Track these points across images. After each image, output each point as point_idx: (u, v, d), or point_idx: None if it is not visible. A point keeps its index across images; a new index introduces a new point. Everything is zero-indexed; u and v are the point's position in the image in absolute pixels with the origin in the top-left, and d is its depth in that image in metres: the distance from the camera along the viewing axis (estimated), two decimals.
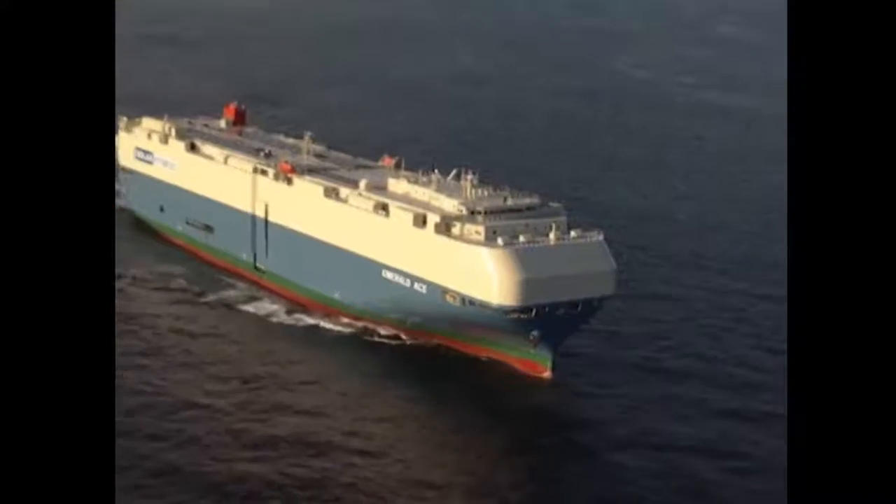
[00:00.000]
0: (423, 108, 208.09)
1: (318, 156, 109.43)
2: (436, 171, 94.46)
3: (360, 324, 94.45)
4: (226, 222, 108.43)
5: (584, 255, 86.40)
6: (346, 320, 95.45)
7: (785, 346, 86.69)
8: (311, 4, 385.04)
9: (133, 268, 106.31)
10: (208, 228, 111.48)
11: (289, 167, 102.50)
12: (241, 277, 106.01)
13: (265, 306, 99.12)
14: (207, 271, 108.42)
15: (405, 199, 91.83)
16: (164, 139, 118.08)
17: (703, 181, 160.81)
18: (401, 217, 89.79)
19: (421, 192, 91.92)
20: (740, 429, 79.72)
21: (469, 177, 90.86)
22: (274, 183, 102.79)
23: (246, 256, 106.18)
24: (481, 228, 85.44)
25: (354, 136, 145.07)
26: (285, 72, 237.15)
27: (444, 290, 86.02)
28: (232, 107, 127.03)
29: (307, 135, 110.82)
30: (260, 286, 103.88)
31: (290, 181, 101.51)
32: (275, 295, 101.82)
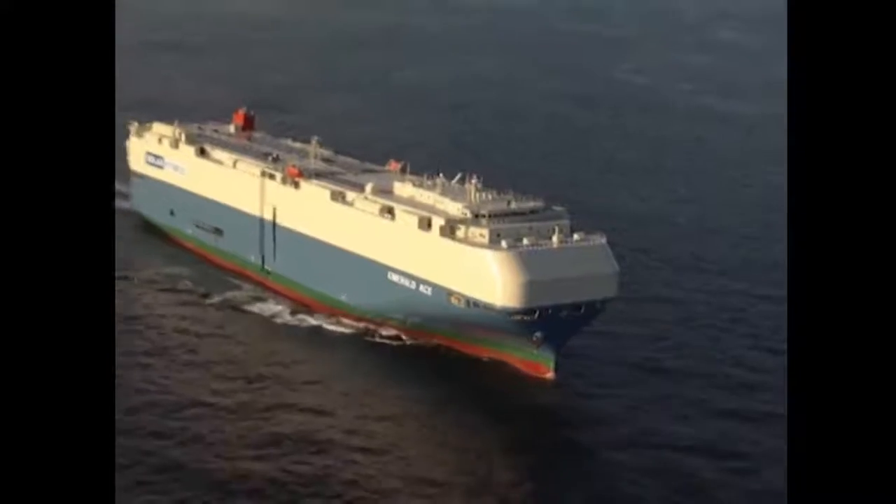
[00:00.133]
0: (427, 113, 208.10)
1: (325, 160, 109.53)
2: (440, 175, 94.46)
3: (361, 324, 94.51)
4: (235, 225, 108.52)
5: (586, 258, 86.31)
6: (346, 321, 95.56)
7: (784, 347, 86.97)
8: (315, 12, 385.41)
9: (141, 270, 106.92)
10: (218, 231, 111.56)
11: (296, 171, 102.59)
12: (249, 280, 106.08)
13: (269, 307, 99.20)
14: (213, 273, 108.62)
15: (410, 203, 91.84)
16: (175, 144, 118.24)
17: (703, 184, 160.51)
18: (406, 220, 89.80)
19: (426, 196, 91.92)
20: (740, 429, 79.56)
21: (473, 181, 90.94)
22: (282, 187, 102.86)
23: (254, 259, 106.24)
24: (485, 231, 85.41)
25: (360, 141, 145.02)
26: (291, 78, 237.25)
27: (449, 292, 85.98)
28: (241, 112, 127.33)
29: (314, 139, 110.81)
30: (268, 288, 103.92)
31: (297, 185, 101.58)
32: (282, 297, 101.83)
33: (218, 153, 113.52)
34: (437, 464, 72.16)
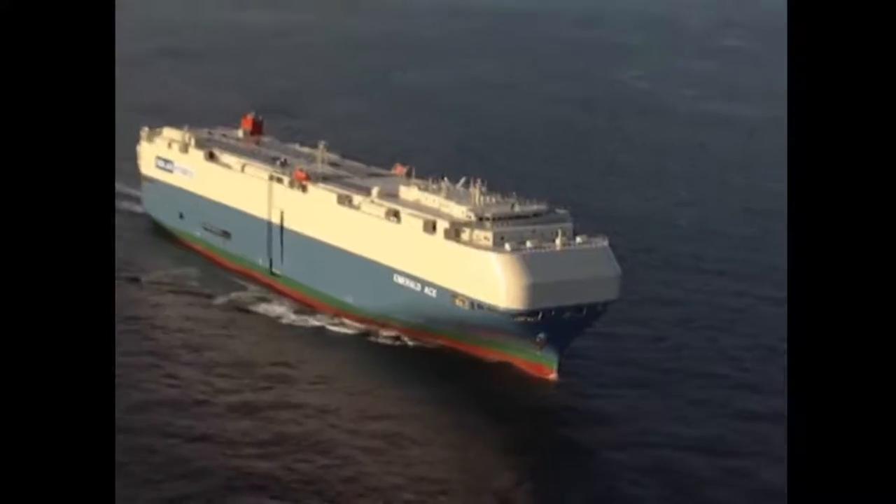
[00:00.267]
0: (432, 118, 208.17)
1: (332, 164, 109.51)
2: (445, 178, 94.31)
3: (362, 325, 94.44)
4: (243, 228, 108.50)
5: (589, 261, 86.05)
6: (349, 321, 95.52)
7: (783, 347, 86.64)
8: (319, 18, 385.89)
9: (150, 271, 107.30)
10: (226, 234, 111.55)
11: (304, 175, 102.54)
12: (257, 282, 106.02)
13: (274, 308, 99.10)
14: (220, 274, 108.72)
15: (416, 206, 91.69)
16: (184, 148, 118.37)
17: (704, 188, 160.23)
18: (412, 223, 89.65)
19: (431, 200, 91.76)
20: (740, 429, 79.11)
21: (478, 184, 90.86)
22: (289, 190, 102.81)
23: (262, 261, 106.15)
24: (489, 234, 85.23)
25: (366, 146, 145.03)
26: (297, 83, 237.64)
27: (454, 294, 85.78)
28: (249, 117, 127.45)
29: (321, 144, 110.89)
30: (275, 290, 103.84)
31: (304, 189, 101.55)
32: (289, 298, 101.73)
33: (226, 157, 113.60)
34: (438, 463, 71.83)
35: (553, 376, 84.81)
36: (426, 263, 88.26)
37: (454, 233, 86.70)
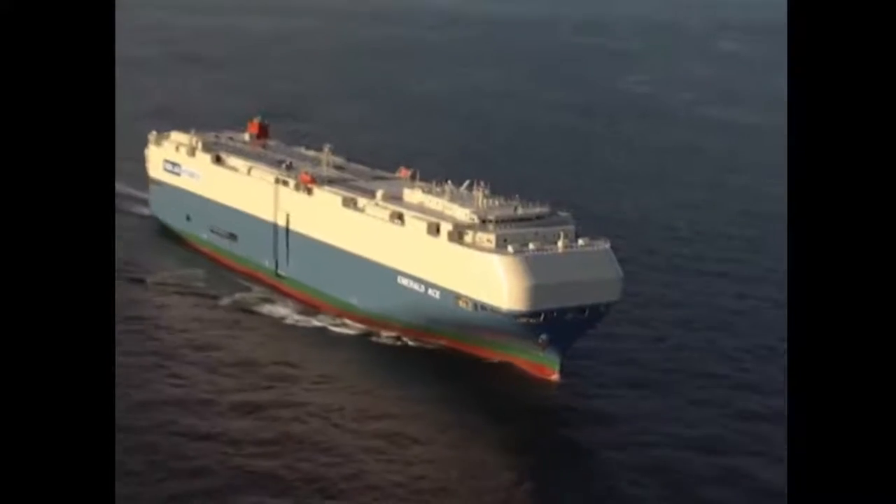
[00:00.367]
0: (436, 123, 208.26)
1: (337, 167, 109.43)
2: (449, 182, 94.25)
3: (364, 326, 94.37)
4: (249, 231, 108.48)
5: (591, 263, 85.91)
6: (350, 322, 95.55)
7: (783, 347, 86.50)
8: (321, 24, 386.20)
9: (156, 273, 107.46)
10: (232, 237, 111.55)
11: (309, 178, 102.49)
12: (263, 283, 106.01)
13: (278, 309, 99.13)
14: (225, 276, 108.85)
15: (420, 209, 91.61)
16: (192, 152, 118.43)
17: (703, 191, 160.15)
18: (415, 226, 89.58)
19: (435, 202, 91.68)
20: (739, 428, 78.89)
21: (481, 187, 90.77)
22: (295, 193, 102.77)
23: (268, 263, 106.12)
24: (492, 237, 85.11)
25: (371, 149, 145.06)
26: (302, 89, 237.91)
27: (457, 296, 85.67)
28: (255, 121, 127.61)
29: (327, 147, 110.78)
30: (281, 292, 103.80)
31: (310, 191, 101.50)
32: (294, 300, 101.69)
33: (233, 161, 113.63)
34: (438, 462, 71.57)
35: (555, 377, 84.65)
36: (430, 265, 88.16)
37: (457, 235, 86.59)
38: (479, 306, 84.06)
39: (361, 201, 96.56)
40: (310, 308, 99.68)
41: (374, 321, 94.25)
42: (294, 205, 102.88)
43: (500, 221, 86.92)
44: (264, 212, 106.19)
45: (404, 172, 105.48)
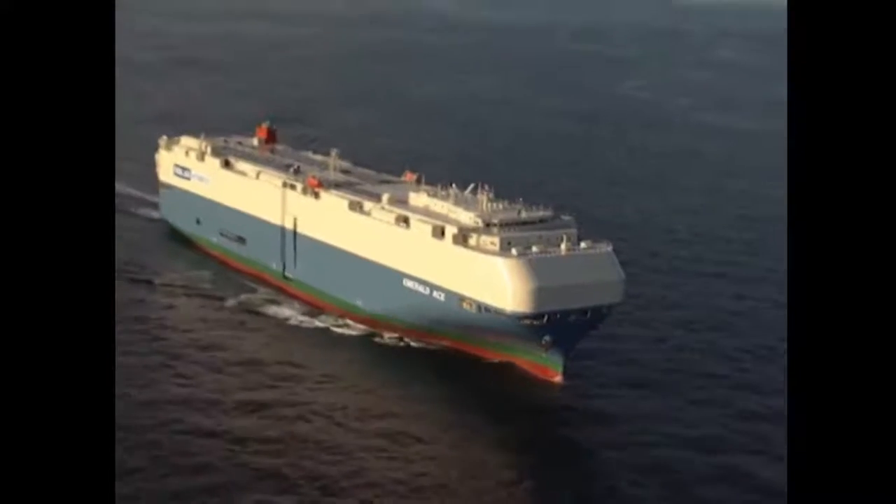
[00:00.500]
0: (438, 128, 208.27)
1: (344, 171, 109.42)
2: (454, 185, 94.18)
3: (366, 327, 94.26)
4: (257, 234, 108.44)
5: (593, 265, 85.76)
6: (351, 322, 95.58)
7: (783, 347, 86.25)
8: (322, 30, 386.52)
9: (165, 274, 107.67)
10: (241, 240, 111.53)
11: (316, 182, 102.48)
12: (271, 285, 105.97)
13: (282, 310, 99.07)
14: (232, 277, 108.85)
15: (425, 212, 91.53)
16: (201, 156, 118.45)
17: (701, 195, 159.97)
18: (421, 229, 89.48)
19: (440, 206, 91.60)
20: (739, 428, 78.61)
21: (485, 191, 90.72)
22: (302, 197, 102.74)
23: (276, 266, 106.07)
24: (496, 240, 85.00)
25: (377, 154, 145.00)
26: (306, 94, 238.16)
27: (461, 298, 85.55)
28: (264, 126, 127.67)
29: (333, 152, 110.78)
30: (288, 294, 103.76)
31: (317, 195, 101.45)
32: (300, 301, 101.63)
33: (242, 165, 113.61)
34: (439, 461, 71.37)
35: (558, 379, 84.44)
36: (435, 268, 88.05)
37: (462, 238, 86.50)
38: (483, 308, 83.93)
39: (367, 205, 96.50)
40: (316, 309, 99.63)
41: (380, 323, 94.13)
42: (301, 208, 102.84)
43: (503, 225, 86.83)
44: (272, 215, 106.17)
45: (409, 176, 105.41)
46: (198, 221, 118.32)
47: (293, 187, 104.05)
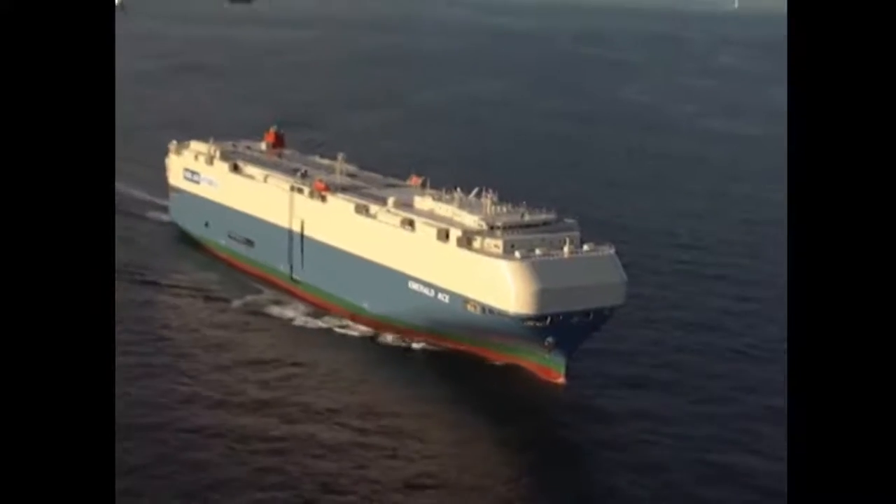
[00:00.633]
0: (442, 132, 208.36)
1: (350, 175, 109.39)
2: (458, 189, 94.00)
3: (368, 328, 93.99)
4: (265, 237, 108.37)
5: (596, 268, 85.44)
6: (352, 323, 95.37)
7: (783, 347, 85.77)
8: (327, 34, 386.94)
9: (173, 276, 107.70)
10: (249, 242, 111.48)
11: (323, 186, 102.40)
12: (278, 287, 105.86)
13: (287, 311, 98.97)
14: (238, 279, 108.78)
15: (430, 216, 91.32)
16: (210, 160, 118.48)
17: (703, 199, 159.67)
18: (426, 232, 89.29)
19: (444, 209, 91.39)
20: (739, 428, 78.10)
21: (489, 195, 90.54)
22: (309, 200, 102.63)
23: (283, 268, 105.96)
24: (500, 242, 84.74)
25: (383, 158, 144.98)
26: (310, 98, 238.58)
27: (466, 300, 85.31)
28: (272, 131, 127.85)
29: (340, 156, 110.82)
30: (295, 295, 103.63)
31: (324, 199, 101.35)
32: (307, 302, 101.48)
33: (250, 169, 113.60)
34: (441, 460, 70.98)
35: (561, 380, 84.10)
36: (439, 270, 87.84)
37: (466, 241, 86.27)
38: (487, 310, 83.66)
39: (373, 208, 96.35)
40: (320, 311, 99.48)
41: (385, 324, 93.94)
42: (308, 211, 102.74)
43: (507, 227, 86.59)
44: (280, 218, 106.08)
45: (415, 180, 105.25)
46: (207, 224, 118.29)
47: (300, 191, 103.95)
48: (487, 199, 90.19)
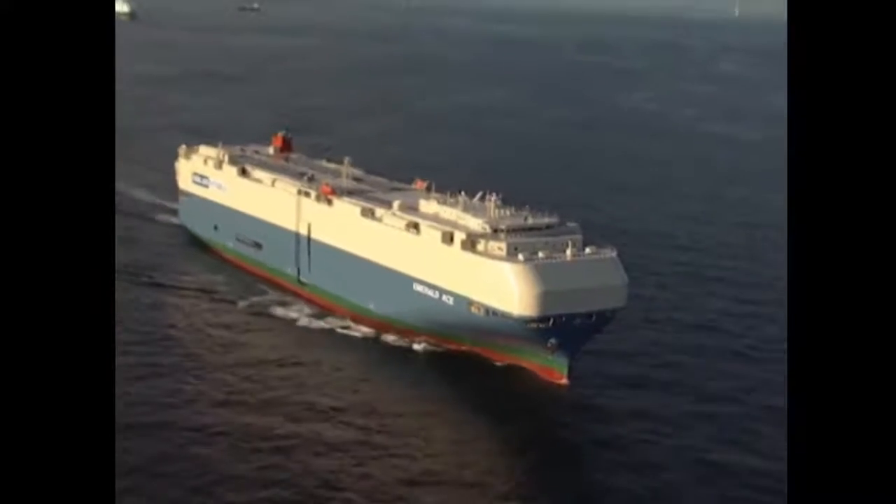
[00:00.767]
0: (448, 137, 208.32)
1: (356, 179, 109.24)
2: (462, 193, 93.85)
3: (371, 329, 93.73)
4: (273, 239, 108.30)
5: (598, 270, 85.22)
6: (354, 324, 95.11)
7: (782, 348, 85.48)
8: (330, 44, 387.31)
9: (182, 278, 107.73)
10: (257, 245, 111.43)
11: (329, 189, 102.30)
12: (286, 290, 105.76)
13: (290, 312, 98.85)
14: (244, 280, 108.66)
15: (434, 219, 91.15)
16: (219, 165, 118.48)
17: (702, 202, 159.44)
18: (430, 235, 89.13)
19: (449, 213, 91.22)
20: (740, 428, 77.75)
21: (493, 198, 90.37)
22: (316, 204, 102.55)
23: (290, 271, 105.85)
24: (503, 245, 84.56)
25: (388, 162, 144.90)
26: (317, 104, 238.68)
27: (470, 302, 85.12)
28: (279, 136, 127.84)
29: (346, 160, 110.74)
30: (302, 297, 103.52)
31: (330, 202, 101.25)
32: (314, 304, 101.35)
33: (258, 173, 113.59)
34: (441, 457, 70.66)
35: (564, 381, 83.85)
36: (444, 272, 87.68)
37: (470, 244, 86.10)
38: (491, 312, 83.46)
39: (379, 211, 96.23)
40: (324, 311, 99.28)
41: (391, 326, 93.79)
42: (315, 215, 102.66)
43: (510, 231, 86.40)
44: (287, 222, 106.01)
45: (420, 184, 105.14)
46: (215, 228, 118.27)
47: (307, 194, 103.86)
48: (491, 203, 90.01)
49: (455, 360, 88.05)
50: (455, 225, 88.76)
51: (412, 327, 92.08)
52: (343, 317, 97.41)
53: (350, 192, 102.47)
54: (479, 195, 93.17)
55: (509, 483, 68.38)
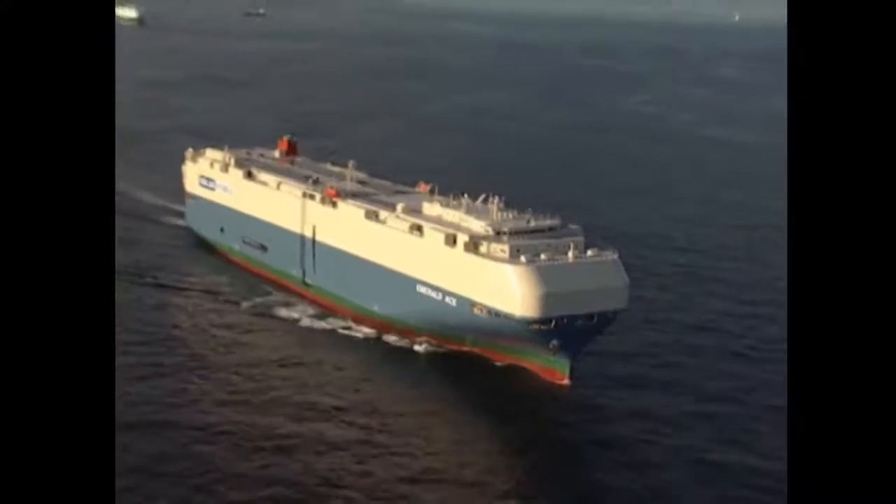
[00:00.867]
0: (451, 141, 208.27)
1: (361, 182, 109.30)
2: (465, 196, 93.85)
3: (373, 329, 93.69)
4: (278, 242, 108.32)
5: (599, 272, 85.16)
6: (355, 324, 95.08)
7: (782, 348, 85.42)
8: (334, 48, 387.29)
9: (187, 279, 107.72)
10: (263, 247, 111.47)
11: (334, 192, 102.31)
12: (291, 291, 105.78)
13: (293, 313, 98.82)
14: (248, 281, 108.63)
15: (438, 221, 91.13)
16: (225, 168, 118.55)
17: (700, 205, 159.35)
18: (434, 237, 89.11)
19: (452, 215, 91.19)
20: (740, 429, 77.62)
21: (496, 201, 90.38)
22: (321, 206, 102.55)
23: (295, 272, 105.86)
24: (506, 247, 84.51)
25: (392, 165, 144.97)
26: (322, 107, 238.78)
27: (473, 303, 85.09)
28: (285, 139, 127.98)
29: (350, 163, 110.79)
30: (307, 299, 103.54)
31: (335, 205, 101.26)
32: (319, 306, 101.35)
33: (263, 176, 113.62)
34: (442, 456, 70.50)
35: (566, 382, 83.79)
36: (447, 274, 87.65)
37: (473, 246, 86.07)
38: (494, 313, 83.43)
39: (383, 214, 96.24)
40: (328, 312, 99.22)
41: (392, 326, 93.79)
42: (320, 217, 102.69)
43: (513, 233, 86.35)
44: (292, 224, 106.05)
45: (423, 187, 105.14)
46: (221, 230, 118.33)
47: (312, 197, 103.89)
48: (494, 206, 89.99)
49: (456, 361, 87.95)
50: (458, 227, 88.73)
51: (415, 328, 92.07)
52: (345, 317, 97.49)
53: (354, 195, 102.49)
54: (481, 198, 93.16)
55: (510, 482, 68.22)
